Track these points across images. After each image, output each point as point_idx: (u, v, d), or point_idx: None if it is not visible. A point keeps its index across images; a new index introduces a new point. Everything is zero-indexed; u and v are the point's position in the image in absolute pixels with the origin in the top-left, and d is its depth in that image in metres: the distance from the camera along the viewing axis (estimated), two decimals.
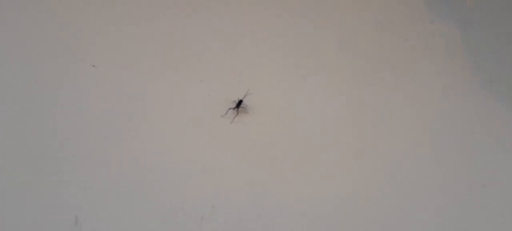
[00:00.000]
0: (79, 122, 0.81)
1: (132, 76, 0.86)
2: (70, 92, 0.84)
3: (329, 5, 0.95)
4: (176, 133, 0.82)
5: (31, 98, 0.82)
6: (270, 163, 0.81)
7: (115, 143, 0.80)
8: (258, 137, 0.83)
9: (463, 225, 0.77)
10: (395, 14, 0.95)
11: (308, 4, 0.95)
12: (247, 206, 0.77)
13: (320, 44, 0.91)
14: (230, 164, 0.80)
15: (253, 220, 0.76)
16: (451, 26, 0.93)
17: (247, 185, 0.79)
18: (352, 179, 0.80)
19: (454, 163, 0.81)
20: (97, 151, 0.79)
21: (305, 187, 0.79)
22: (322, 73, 0.88)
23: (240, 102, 0.83)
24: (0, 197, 0.75)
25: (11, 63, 0.86)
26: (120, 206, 0.76)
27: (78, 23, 0.90)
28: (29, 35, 0.88)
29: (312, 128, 0.84)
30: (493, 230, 0.77)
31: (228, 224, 0.76)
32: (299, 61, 0.89)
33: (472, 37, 0.92)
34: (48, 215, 0.74)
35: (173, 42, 0.90)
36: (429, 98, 0.87)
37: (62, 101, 0.83)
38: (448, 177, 0.80)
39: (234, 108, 0.83)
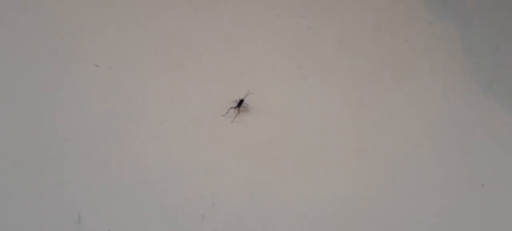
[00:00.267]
0: (82, 121, 0.81)
1: (133, 76, 0.86)
2: (72, 92, 0.84)
3: (329, 6, 0.95)
4: (177, 132, 0.82)
5: (34, 98, 0.82)
6: (270, 162, 0.81)
7: (116, 142, 0.80)
8: (259, 136, 0.83)
9: (463, 224, 0.77)
10: (395, 14, 0.95)
11: (309, 4, 0.95)
12: (247, 205, 0.77)
13: (321, 44, 0.91)
14: (231, 163, 0.80)
15: (253, 220, 0.76)
16: (450, 27, 0.93)
17: (247, 184, 0.79)
18: (352, 179, 0.80)
19: (453, 162, 0.82)
20: (99, 150, 0.79)
21: (306, 186, 0.79)
22: (322, 73, 0.88)
23: (241, 101, 0.83)
24: (3, 196, 0.75)
25: (12, 63, 0.85)
26: (122, 204, 0.76)
27: (78, 23, 0.90)
28: (29, 35, 0.88)
29: (312, 127, 0.84)
30: (492, 230, 0.77)
31: (228, 223, 0.76)
32: (300, 61, 0.89)
33: (471, 37, 0.92)
34: (51, 213, 0.74)
35: (173, 42, 0.90)
36: (429, 99, 0.87)
37: (64, 101, 0.83)
38: (447, 176, 0.80)
39: (235, 108, 0.83)
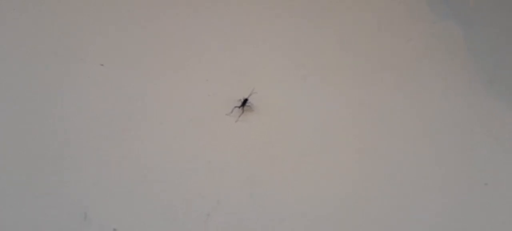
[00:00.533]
0: (90, 120, 0.81)
1: (137, 76, 0.86)
2: (79, 91, 0.84)
3: (331, 6, 0.95)
4: (183, 131, 0.82)
5: (34, 98, 0.82)
6: (275, 162, 0.80)
7: (122, 141, 0.80)
8: (263, 135, 0.82)
9: (466, 224, 0.77)
10: (397, 14, 0.95)
11: (311, 5, 0.95)
12: (252, 205, 0.77)
13: (323, 44, 0.91)
14: (235, 162, 0.80)
15: (257, 220, 0.76)
16: (453, 27, 0.93)
17: (252, 183, 0.78)
18: (357, 179, 0.80)
19: (456, 162, 0.81)
20: (105, 149, 0.79)
21: (309, 185, 0.79)
22: (325, 73, 0.88)
23: (245, 101, 0.83)
24: (10, 195, 0.75)
25: (12, 63, 0.85)
26: (128, 202, 0.76)
27: (78, 23, 0.90)
28: (29, 35, 0.88)
29: (316, 127, 0.84)
30: (496, 229, 0.77)
31: (233, 222, 0.76)
32: (302, 61, 0.89)
33: (473, 37, 0.92)
34: (58, 211, 0.74)
35: (174, 42, 0.90)
36: (431, 98, 0.87)
37: (69, 101, 0.83)
38: (450, 176, 0.80)
39: (239, 107, 0.83)
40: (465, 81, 0.88)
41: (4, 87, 0.83)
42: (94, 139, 0.80)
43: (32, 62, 0.86)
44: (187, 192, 0.77)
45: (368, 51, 0.91)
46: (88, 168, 0.77)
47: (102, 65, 0.85)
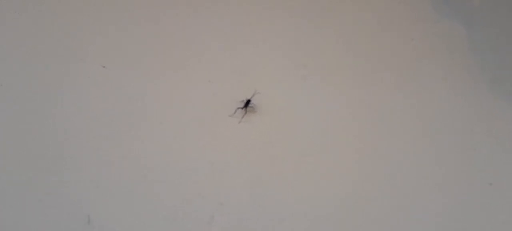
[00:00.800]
0: (92, 122, 0.81)
1: (138, 76, 0.86)
2: (79, 91, 0.84)
3: (335, 6, 0.95)
4: (186, 133, 0.82)
5: (36, 99, 0.83)
6: (278, 162, 0.80)
7: (124, 142, 0.80)
8: (265, 136, 0.82)
9: (465, 224, 0.77)
10: (399, 14, 0.95)
11: (315, 5, 0.95)
12: (255, 206, 0.77)
13: (326, 44, 0.91)
14: (238, 163, 0.80)
15: (258, 221, 0.76)
16: (455, 26, 0.93)
17: (254, 183, 0.78)
18: (363, 179, 0.80)
19: (460, 162, 0.81)
20: (109, 151, 0.79)
21: (310, 186, 0.79)
22: (328, 73, 0.88)
23: (248, 102, 0.83)
24: (10, 197, 0.75)
25: (12, 63, 0.86)
26: (131, 205, 0.76)
27: (78, 23, 0.90)
28: (30, 35, 0.88)
29: (317, 127, 0.83)
30: (501, 229, 0.77)
31: (236, 223, 0.75)
32: (305, 61, 0.89)
33: (476, 37, 0.92)
34: (61, 214, 0.74)
35: (175, 42, 0.90)
36: (432, 98, 0.87)
37: (71, 101, 0.83)
38: (454, 176, 0.80)
39: (242, 108, 0.83)
40: (467, 81, 0.88)
41: (4, 87, 0.83)
42: (103, 140, 0.80)
43: (32, 62, 0.86)
44: (191, 194, 0.77)
45: (369, 51, 0.91)
46: (89, 169, 0.77)
47: (104, 67, 0.86)
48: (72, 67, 0.86)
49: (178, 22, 0.92)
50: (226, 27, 0.92)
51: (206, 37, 0.91)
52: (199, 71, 0.87)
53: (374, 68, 0.89)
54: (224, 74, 0.87)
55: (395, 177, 0.80)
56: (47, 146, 0.79)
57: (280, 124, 0.83)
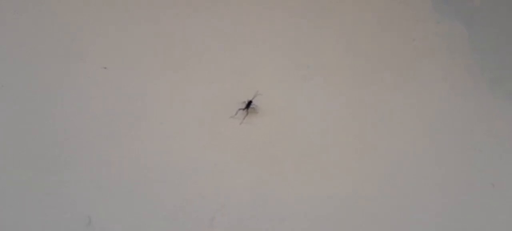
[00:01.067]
0: (92, 123, 0.81)
1: (138, 77, 0.86)
2: (79, 92, 0.84)
3: (336, 7, 0.95)
4: (187, 133, 0.82)
5: (36, 99, 0.82)
6: (280, 163, 0.80)
7: (125, 143, 0.80)
8: (266, 136, 0.82)
9: (465, 224, 0.77)
10: (400, 14, 0.94)
11: (316, 5, 0.95)
12: (257, 207, 0.77)
13: (328, 45, 0.91)
14: (240, 164, 0.80)
15: (260, 223, 0.76)
16: (456, 27, 0.93)
17: (255, 184, 0.78)
18: (367, 180, 0.80)
19: (456, 162, 0.81)
20: (109, 152, 0.79)
21: (312, 186, 0.79)
22: (330, 74, 0.88)
23: (249, 103, 0.83)
24: (13, 199, 0.75)
25: (12, 63, 0.86)
26: (132, 205, 0.76)
27: (78, 23, 0.90)
28: (30, 35, 0.88)
29: (318, 127, 0.84)
30: (503, 230, 0.77)
31: (238, 224, 0.75)
32: (307, 61, 0.89)
33: (477, 37, 0.92)
34: (61, 215, 0.74)
35: (177, 44, 0.90)
36: (433, 98, 0.87)
37: (71, 101, 0.83)
38: (452, 175, 0.80)
39: (243, 109, 0.83)
40: (467, 81, 0.88)
41: (5, 88, 0.83)
42: (104, 141, 0.80)
43: (32, 62, 0.86)
44: (193, 196, 0.77)
45: (369, 51, 0.91)
46: (89, 170, 0.77)
47: (105, 68, 0.85)
48: (72, 67, 0.86)
49: (178, 22, 0.92)
50: (226, 27, 0.92)
51: (206, 37, 0.91)
52: (199, 72, 0.87)
53: (374, 68, 0.89)
54: (224, 75, 0.87)
55: (395, 177, 0.80)
56: (47, 146, 0.79)
57: (280, 124, 0.83)
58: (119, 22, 0.91)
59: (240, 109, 0.83)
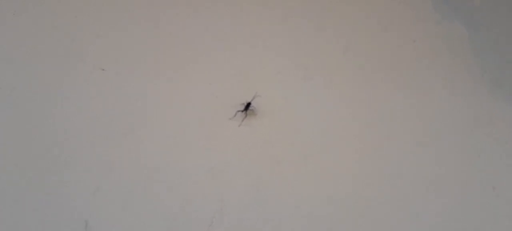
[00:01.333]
0: (90, 125, 0.81)
1: (139, 77, 0.86)
2: (79, 93, 0.84)
3: (336, 8, 0.95)
4: (187, 134, 0.82)
5: (36, 99, 0.83)
6: (279, 165, 0.80)
7: (124, 145, 0.80)
8: (266, 137, 0.82)
9: (466, 224, 0.77)
10: (400, 15, 0.94)
11: (316, 7, 0.95)
12: (256, 208, 0.77)
13: (328, 46, 0.91)
14: (238, 166, 0.80)
15: (260, 224, 0.76)
16: (457, 27, 0.93)
17: (255, 185, 0.78)
18: (369, 181, 0.79)
19: (456, 162, 0.81)
20: (109, 152, 0.79)
21: (312, 186, 0.79)
22: (329, 75, 0.88)
23: (248, 104, 0.83)
24: (13, 199, 0.75)
25: (12, 63, 0.86)
26: (132, 206, 0.76)
27: (78, 23, 0.90)
28: (30, 36, 0.88)
29: (318, 128, 0.83)
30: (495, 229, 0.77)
31: (238, 225, 0.75)
32: (306, 63, 0.89)
33: (478, 38, 0.92)
34: (58, 219, 0.74)
35: (177, 44, 0.90)
36: (433, 99, 0.86)
37: (71, 102, 0.83)
38: (452, 176, 0.80)
39: (242, 111, 0.83)
40: (468, 82, 0.88)
41: (5, 88, 0.83)
42: (101, 143, 0.80)
43: (32, 63, 0.86)
44: (192, 196, 0.77)
45: (370, 52, 0.91)
46: (89, 170, 0.78)
47: (103, 70, 0.86)
48: (72, 68, 0.86)
49: (177, 23, 0.92)
50: (225, 27, 0.92)
51: (206, 38, 0.91)
52: (199, 72, 0.87)
53: (374, 68, 0.89)
54: (224, 75, 0.87)
55: (395, 177, 0.80)
56: (47, 147, 0.79)
57: (280, 125, 0.83)
58: (119, 22, 0.91)
59: (238, 111, 0.83)
